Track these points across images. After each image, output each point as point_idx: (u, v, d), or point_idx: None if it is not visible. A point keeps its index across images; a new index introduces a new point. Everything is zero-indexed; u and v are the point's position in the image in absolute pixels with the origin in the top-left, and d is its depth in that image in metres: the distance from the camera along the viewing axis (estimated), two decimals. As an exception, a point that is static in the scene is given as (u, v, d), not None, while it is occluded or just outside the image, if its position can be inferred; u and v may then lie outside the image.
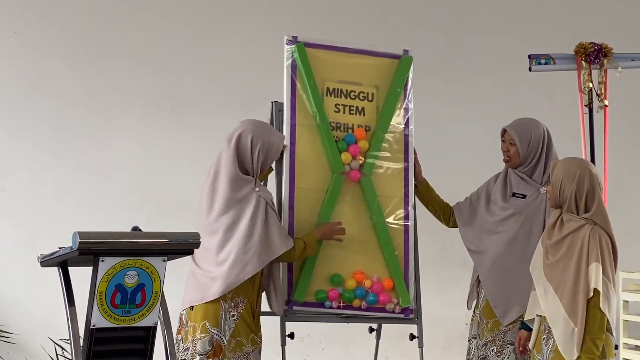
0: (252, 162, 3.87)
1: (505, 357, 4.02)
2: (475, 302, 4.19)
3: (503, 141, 4.19)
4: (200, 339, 3.79)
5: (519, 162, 4.14)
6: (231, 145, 3.87)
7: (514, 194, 4.12)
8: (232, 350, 3.80)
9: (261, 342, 3.91)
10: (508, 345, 4.04)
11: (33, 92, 6.08)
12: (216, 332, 3.79)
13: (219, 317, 3.80)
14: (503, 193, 4.14)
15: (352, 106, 4.34)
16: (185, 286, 3.96)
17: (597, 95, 4.76)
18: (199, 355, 3.79)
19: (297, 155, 4.17)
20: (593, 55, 4.76)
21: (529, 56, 4.83)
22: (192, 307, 3.85)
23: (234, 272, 3.76)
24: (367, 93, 4.37)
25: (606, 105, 4.76)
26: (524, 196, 4.10)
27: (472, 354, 4.14)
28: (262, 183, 4.02)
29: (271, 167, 4.09)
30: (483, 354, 4.06)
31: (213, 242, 3.82)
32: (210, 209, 3.86)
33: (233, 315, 3.81)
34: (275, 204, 4.05)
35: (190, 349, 3.82)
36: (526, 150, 4.12)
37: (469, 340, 4.20)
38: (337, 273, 4.16)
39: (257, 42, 6.25)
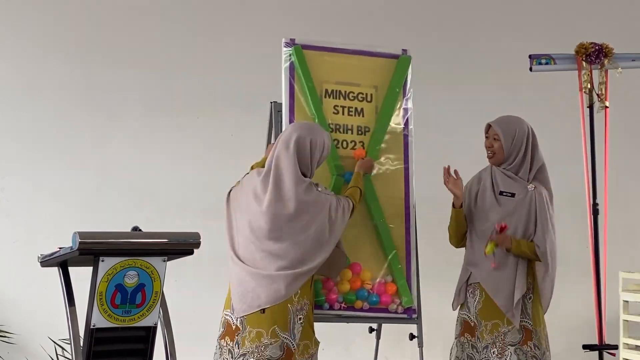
0: (310, 164, 3.87)
1: (507, 359, 4.03)
2: (462, 303, 4.19)
3: (487, 137, 4.19)
4: (270, 344, 3.73)
5: (502, 158, 4.14)
6: (290, 150, 3.82)
7: (501, 193, 4.12)
8: (301, 354, 3.77)
9: (319, 343, 3.89)
10: (509, 347, 4.04)
11: (33, 92, 6.08)
12: (286, 337, 3.75)
13: (287, 321, 3.76)
14: (491, 195, 4.14)
15: (351, 107, 4.34)
16: (234, 290, 3.84)
17: (598, 95, 4.75)
18: None
19: (296, 157, 4.16)
20: (593, 55, 4.76)
21: (530, 56, 4.82)
22: (263, 310, 3.76)
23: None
24: (366, 94, 4.37)
25: (606, 106, 4.75)
26: (513, 194, 4.10)
27: (452, 355, 4.16)
28: None
29: None
30: (485, 357, 4.06)
31: (282, 246, 3.79)
32: (279, 215, 3.80)
33: (300, 319, 3.78)
34: None
35: (255, 354, 3.73)
36: (510, 146, 4.13)
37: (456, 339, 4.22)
38: (317, 280, 4.13)
39: (257, 43, 6.25)
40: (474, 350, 4.10)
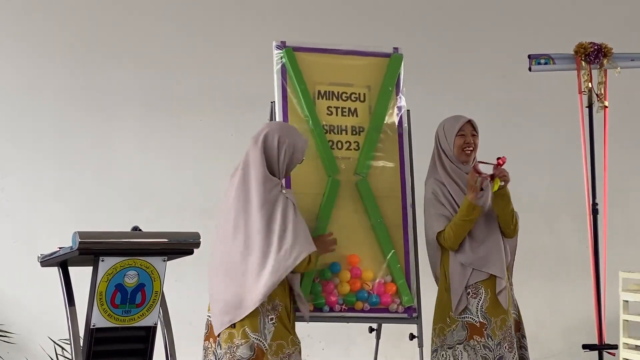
0: (277, 163, 3.84)
1: (514, 352, 4.08)
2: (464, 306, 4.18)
3: (463, 135, 4.17)
4: (241, 344, 3.73)
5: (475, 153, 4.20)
6: (258, 146, 3.82)
7: None
8: (274, 354, 3.74)
9: (300, 342, 3.87)
10: (514, 340, 4.11)
11: (33, 93, 6.08)
12: (256, 337, 3.74)
13: (257, 322, 3.75)
14: (464, 195, 4.14)
15: (345, 108, 4.33)
16: (213, 296, 3.84)
17: (597, 95, 4.75)
18: None
19: (291, 160, 4.16)
20: (593, 55, 4.76)
21: (529, 56, 4.83)
22: (233, 325, 3.75)
23: (274, 277, 3.72)
24: (359, 94, 4.37)
25: (606, 106, 4.76)
26: (481, 189, 4.13)
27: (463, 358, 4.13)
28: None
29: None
30: (499, 354, 4.07)
31: (239, 243, 3.76)
32: (241, 209, 3.79)
33: (272, 319, 3.76)
34: None
35: (228, 355, 3.74)
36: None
37: (451, 348, 4.13)
38: (317, 283, 4.13)
39: (257, 43, 6.24)
40: (487, 350, 4.09)
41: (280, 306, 3.80)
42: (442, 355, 4.14)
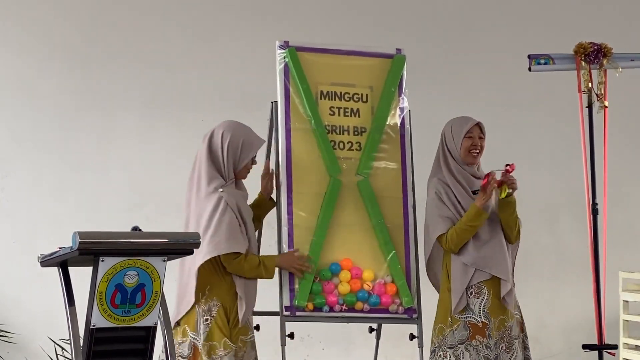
0: (222, 159, 3.87)
1: (515, 353, 4.08)
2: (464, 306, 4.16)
3: (471, 137, 4.17)
4: (182, 342, 3.84)
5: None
6: (205, 142, 3.91)
7: (474, 192, 4.13)
8: (207, 354, 3.80)
9: (235, 345, 3.85)
10: (514, 340, 4.10)
11: (33, 92, 6.08)
12: (193, 336, 3.82)
13: (195, 321, 3.83)
14: (468, 197, 4.13)
15: (347, 108, 4.34)
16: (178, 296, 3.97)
17: (597, 95, 4.75)
18: (182, 358, 3.83)
19: (293, 160, 4.17)
20: (592, 55, 4.76)
21: (529, 56, 4.83)
22: (178, 322, 3.90)
23: (195, 273, 3.83)
24: (361, 94, 4.37)
25: (606, 106, 4.76)
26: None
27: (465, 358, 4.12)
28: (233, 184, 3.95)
29: (248, 169, 4.01)
30: (496, 354, 4.07)
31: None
32: (187, 204, 3.95)
33: (206, 320, 3.82)
34: (277, 212, 4.12)
35: (177, 350, 3.84)
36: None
37: (452, 347, 4.11)
38: (326, 269, 4.14)
39: (257, 43, 6.25)
40: (488, 350, 4.09)
41: (218, 307, 3.84)
42: (441, 355, 4.13)
